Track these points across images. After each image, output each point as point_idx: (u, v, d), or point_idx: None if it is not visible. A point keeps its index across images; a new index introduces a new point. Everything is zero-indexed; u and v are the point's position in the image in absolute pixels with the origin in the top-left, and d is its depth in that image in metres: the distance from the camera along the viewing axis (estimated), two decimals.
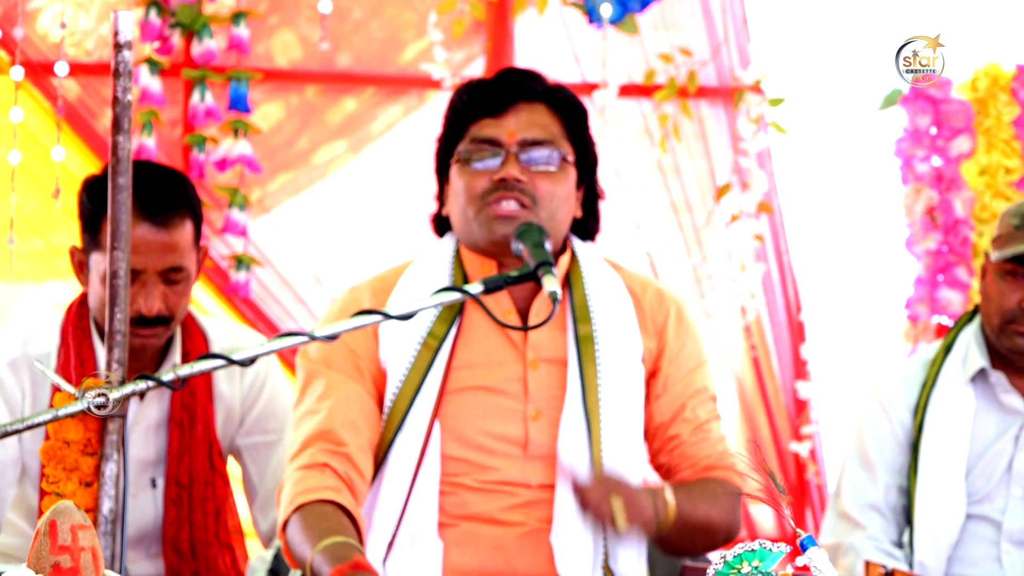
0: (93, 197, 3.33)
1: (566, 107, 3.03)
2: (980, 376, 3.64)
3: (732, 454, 3.07)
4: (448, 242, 3.08)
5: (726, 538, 3.00)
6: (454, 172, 3.01)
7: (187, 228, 3.33)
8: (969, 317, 3.71)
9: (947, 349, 3.67)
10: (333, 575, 2.64)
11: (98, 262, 3.30)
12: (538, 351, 2.99)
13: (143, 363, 3.36)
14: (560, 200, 2.97)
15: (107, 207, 3.28)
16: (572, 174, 3.01)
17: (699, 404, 3.06)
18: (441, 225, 3.12)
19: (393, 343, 2.97)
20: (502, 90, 3.01)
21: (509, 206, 2.93)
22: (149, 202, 3.29)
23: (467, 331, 2.98)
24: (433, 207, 3.13)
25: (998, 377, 3.61)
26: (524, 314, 3.01)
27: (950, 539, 3.57)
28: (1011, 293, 3.56)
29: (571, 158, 3.00)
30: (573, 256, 3.07)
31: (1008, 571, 3.58)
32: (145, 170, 3.25)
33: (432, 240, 3.15)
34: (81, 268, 3.38)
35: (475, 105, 3.01)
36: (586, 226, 3.11)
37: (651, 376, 3.07)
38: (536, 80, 3.04)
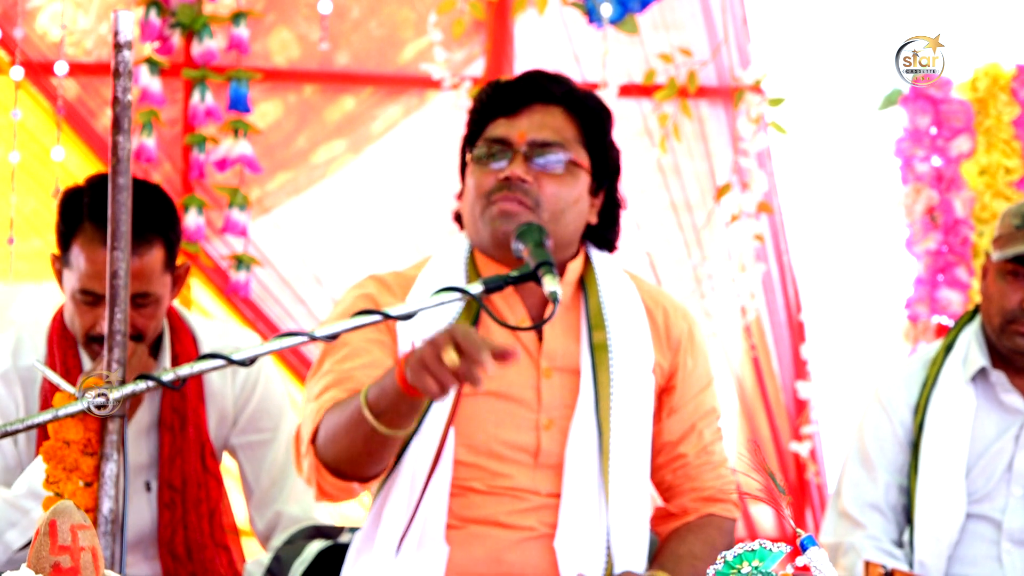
0: (66, 216, 3.33)
1: (586, 112, 3.00)
2: (980, 375, 3.64)
3: (732, 481, 3.08)
4: (463, 241, 3.07)
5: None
6: (468, 171, 3.01)
7: (155, 254, 3.29)
8: (970, 317, 3.71)
9: (948, 348, 3.68)
10: (400, 362, 2.66)
11: (67, 278, 3.31)
12: (552, 360, 2.98)
13: (134, 369, 3.36)
14: (566, 204, 2.95)
15: (77, 227, 3.29)
16: (583, 179, 2.98)
17: (707, 425, 3.08)
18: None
19: (410, 343, 2.95)
20: (519, 90, 3.00)
21: (511, 205, 2.92)
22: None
23: (483, 337, 2.97)
24: (455, 204, 3.13)
25: (998, 376, 3.61)
26: (537, 322, 2.98)
27: (950, 538, 3.57)
28: (1012, 293, 3.56)
29: (583, 163, 2.98)
30: (588, 262, 3.05)
31: (1008, 570, 3.58)
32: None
33: (444, 238, 3.14)
34: (59, 276, 3.39)
35: (492, 105, 3.00)
36: (604, 235, 3.08)
37: (663, 392, 3.06)
38: (558, 83, 3.02)
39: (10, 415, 3.35)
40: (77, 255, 3.29)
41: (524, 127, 2.96)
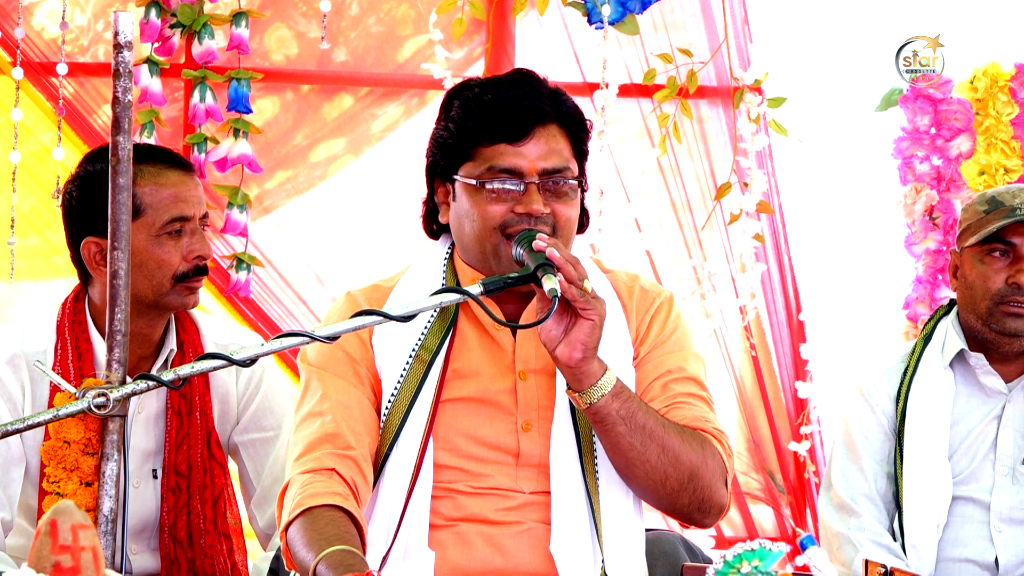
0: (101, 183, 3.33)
1: (577, 126, 2.98)
2: (959, 360, 3.68)
3: (718, 426, 2.95)
4: (440, 249, 3.04)
5: (703, 489, 2.86)
6: (465, 192, 2.94)
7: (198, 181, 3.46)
8: (946, 310, 3.77)
9: (926, 340, 3.73)
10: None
11: (141, 228, 3.28)
12: (527, 363, 2.96)
13: (144, 349, 3.36)
14: (574, 224, 2.95)
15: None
16: (578, 191, 2.98)
17: (673, 381, 2.98)
18: (432, 225, 3.06)
19: (387, 353, 2.95)
20: (521, 115, 2.92)
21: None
22: (169, 156, 3.40)
23: (459, 343, 2.96)
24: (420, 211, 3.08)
25: (977, 359, 3.66)
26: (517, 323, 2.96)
27: (939, 521, 3.62)
28: (995, 274, 3.60)
29: (581, 179, 2.98)
30: None
31: (999, 549, 3.62)
32: (142, 147, 3.32)
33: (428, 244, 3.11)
34: (96, 261, 3.34)
35: (493, 128, 2.92)
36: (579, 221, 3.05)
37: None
38: (546, 96, 2.96)
39: (16, 400, 3.36)
40: (152, 193, 3.30)
41: (533, 155, 2.91)
